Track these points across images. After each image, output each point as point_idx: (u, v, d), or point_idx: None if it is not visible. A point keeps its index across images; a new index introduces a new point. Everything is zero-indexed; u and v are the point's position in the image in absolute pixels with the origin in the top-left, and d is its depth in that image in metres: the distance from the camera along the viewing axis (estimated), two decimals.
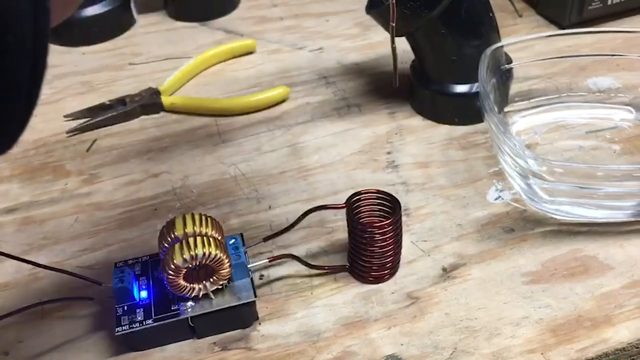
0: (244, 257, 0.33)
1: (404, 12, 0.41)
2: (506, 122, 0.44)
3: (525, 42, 0.46)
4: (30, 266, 0.36)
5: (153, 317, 0.32)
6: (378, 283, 0.36)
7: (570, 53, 0.47)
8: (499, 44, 0.42)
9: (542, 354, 0.31)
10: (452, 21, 0.42)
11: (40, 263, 0.33)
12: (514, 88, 0.46)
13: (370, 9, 0.44)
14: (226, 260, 0.32)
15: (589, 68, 0.47)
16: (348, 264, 0.36)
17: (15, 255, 0.32)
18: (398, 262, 0.36)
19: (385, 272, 0.35)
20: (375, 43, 0.55)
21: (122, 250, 0.38)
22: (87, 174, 0.44)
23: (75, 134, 0.48)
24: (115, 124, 0.49)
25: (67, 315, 0.35)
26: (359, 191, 0.35)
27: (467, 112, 0.45)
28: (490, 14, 0.44)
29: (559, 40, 0.48)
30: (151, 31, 0.59)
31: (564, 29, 0.54)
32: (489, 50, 0.41)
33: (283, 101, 0.50)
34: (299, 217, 0.35)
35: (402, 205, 0.39)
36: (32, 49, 0.18)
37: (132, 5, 0.60)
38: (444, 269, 0.36)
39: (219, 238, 0.33)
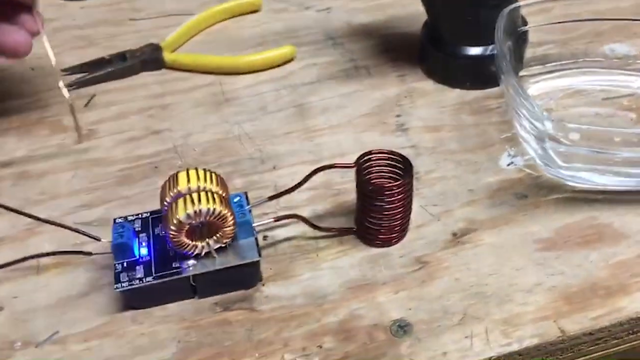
0: (248, 216, 0.32)
1: None
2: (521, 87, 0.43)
3: (542, 4, 0.44)
4: (27, 221, 0.35)
5: (153, 274, 0.31)
6: (386, 246, 0.34)
7: (587, 17, 0.46)
8: (516, 4, 0.40)
9: (554, 321, 0.30)
10: None
11: (38, 216, 0.32)
12: (529, 52, 0.45)
13: None
14: (230, 218, 0.31)
15: (606, 34, 0.46)
16: (355, 227, 0.35)
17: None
18: (407, 226, 0.35)
19: (394, 235, 0.34)
20: (385, 4, 0.53)
21: (121, 207, 0.37)
22: (86, 130, 0.43)
23: (74, 89, 0.46)
24: (115, 79, 0.47)
25: (65, 272, 0.34)
26: (370, 151, 0.33)
27: (479, 75, 0.43)
28: None
29: (577, 5, 0.46)
30: None
31: None
32: (506, 11, 0.39)
33: (289, 61, 0.48)
34: (306, 176, 0.34)
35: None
36: None
37: None
38: (454, 234, 0.35)
39: (224, 195, 0.31)
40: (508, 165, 0.39)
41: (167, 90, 0.46)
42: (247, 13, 0.53)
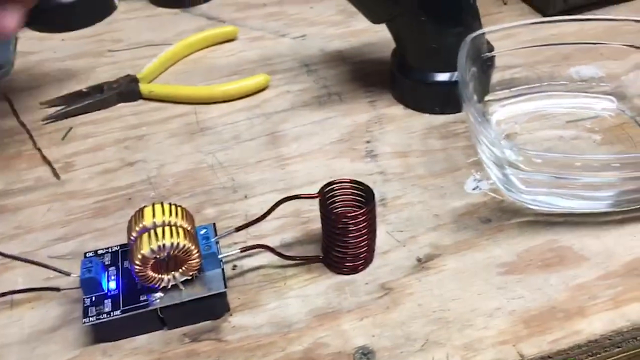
0: (214, 248, 0.33)
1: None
2: (486, 111, 0.44)
3: (508, 30, 0.45)
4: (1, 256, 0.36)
5: (121, 308, 0.31)
6: (352, 274, 0.35)
7: (553, 41, 0.47)
8: (480, 32, 0.41)
9: (513, 345, 0.31)
10: (432, 8, 0.41)
11: (8, 253, 0.32)
12: (496, 77, 0.46)
13: None
14: (195, 251, 0.31)
15: (572, 57, 0.47)
16: (322, 255, 0.36)
17: None
18: (372, 253, 0.36)
19: (359, 262, 0.35)
20: (359, 30, 0.55)
21: (95, 240, 0.38)
22: (62, 162, 0.44)
23: (51, 122, 0.47)
24: (93, 111, 0.48)
25: (38, 306, 0.35)
26: (333, 181, 0.34)
27: (447, 101, 0.44)
28: (471, 1, 0.43)
29: (543, 29, 0.47)
30: (132, 17, 0.59)
31: (548, 17, 0.54)
32: (469, 38, 0.40)
33: (263, 89, 0.49)
34: (271, 207, 0.34)
35: (379, 195, 0.39)
36: None
37: None
38: (419, 260, 0.36)
39: (189, 228, 0.32)
40: (473, 189, 0.39)
41: (142, 122, 0.47)
42: (224, 42, 0.55)
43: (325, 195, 0.34)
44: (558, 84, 0.45)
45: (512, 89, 0.45)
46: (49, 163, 0.43)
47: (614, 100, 0.44)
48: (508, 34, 0.45)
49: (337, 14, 0.57)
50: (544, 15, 0.54)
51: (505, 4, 0.56)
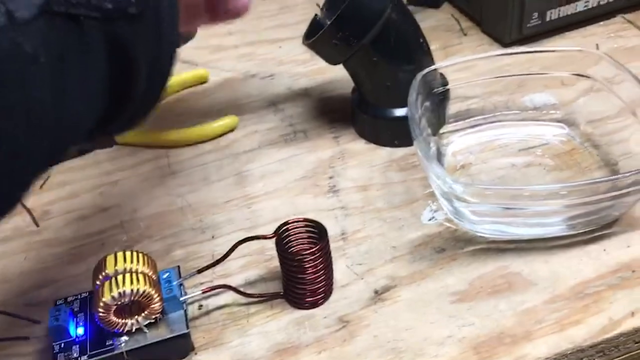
0: (176, 291, 0.35)
1: (335, 44, 0.42)
2: (442, 143, 0.46)
3: (463, 64, 0.47)
4: None
5: (88, 353, 0.33)
6: (312, 308, 0.37)
7: (508, 72, 0.49)
8: (429, 69, 0.43)
9: None
10: (382, 48, 0.43)
11: None
12: (454, 108, 0.48)
13: (307, 38, 0.45)
14: (156, 296, 0.33)
15: (526, 85, 0.48)
16: (283, 291, 0.37)
17: None
18: (331, 287, 0.37)
19: (318, 297, 0.37)
20: (325, 68, 0.56)
21: (69, 286, 0.40)
22: (40, 211, 0.46)
23: None
24: (71, 158, 0.50)
25: (11, 354, 0.36)
26: (287, 221, 0.36)
27: (406, 134, 0.46)
28: (421, 40, 0.45)
29: (497, 60, 0.49)
30: None
31: (506, 46, 0.56)
32: (419, 76, 0.42)
33: (232, 130, 0.51)
34: (230, 249, 0.36)
35: (340, 229, 0.41)
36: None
37: None
38: (376, 292, 0.37)
39: (150, 273, 0.34)
40: (429, 220, 0.41)
41: (117, 167, 0.49)
42: (195, 85, 0.57)
43: (281, 235, 0.36)
44: (512, 113, 0.47)
45: (468, 120, 0.47)
46: (28, 211, 0.45)
47: (565, 127, 0.46)
48: (466, 66, 0.47)
49: (304, 52, 0.58)
50: (502, 45, 0.56)
51: (465, 35, 0.58)
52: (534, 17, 0.54)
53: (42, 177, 0.48)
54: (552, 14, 0.54)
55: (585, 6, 0.55)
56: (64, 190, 0.47)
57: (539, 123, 0.46)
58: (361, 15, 0.42)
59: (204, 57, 0.61)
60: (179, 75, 0.56)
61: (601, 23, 0.57)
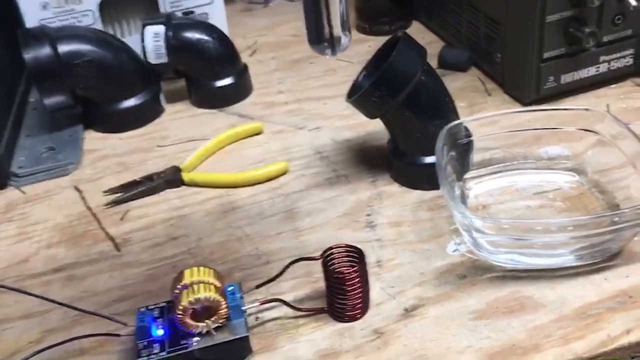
0: (239, 301, 0.42)
1: (373, 101, 0.50)
2: (466, 187, 0.52)
3: (487, 119, 0.54)
4: (73, 314, 0.45)
5: (166, 349, 0.40)
6: (351, 322, 0.43)
7: (526, 126, 0.56)
8: (454, 123, 0.51)
9: None
10: (414, 105, 0.51)
11: (80, 307, 0.42)
12: (478, 157, 0.55)
13: (349, 96, 0.53)
14: (223, 303, 0.40)
15: (542, 139, 0.55)
16: (327, 307, 0.44)
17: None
18: (368, 304, 0.44)
19: (357, 312, 0.43)
20: (364, 122, 0.64)
21: (146, 300, 0.47)
22: (121, 239, 0.54)
23: (112, 206, 0.58)
24: (145, 196, 0.58)
25: (102, 352, 0.44)
26: (331, 246, 0.43)
27: (435, 179, 0.53)
28: (447, 98, 0.53)
29: (517, 117, 0.57)
30: (177, 117, 0.70)
31: (525, 105, 0.63)
32: (445, 129, 0.50)
33: (283, 174, 0.59)
34: (283, 268, 0.43)
35: (375, 258, 0.47)
36: None
37: (162, 97, 0.71)
38: (406, 309, 0.44)
39: (218, 285, 0.41)
40: (453, 251, 0.48)
41: (185, 204, 0.57)
42: (252, 135, 0.65)
43: (326, 258, 0.43)
44: (529, 162, 0.54)
45: (490, 167, 0.54)
46: (111, 239, 0.53)
47: (575, 175, 0.52)
48: (489, 121, 0.54)
49: (346, 108, 0.67)
50: (522, 104, 0.63)
51: (489, 95, 0.66)
52: (549, 80, 0.61)
53: (122, 211, 0.57)
54: (566, 78, 0.61)
55: (597, 71, 0.62)
56: (141, 222, 0.56)
57: (552, 171, 0.53)
58: (396, 78, 0.50)
59: (259, 112, 0.70)
60: (238, 127, 0.65)
61: (613, 86, 0.64)
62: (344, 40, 0.47)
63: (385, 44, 0.54)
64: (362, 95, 0.50)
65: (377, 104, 0.51)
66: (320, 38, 0.46)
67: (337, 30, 0.46)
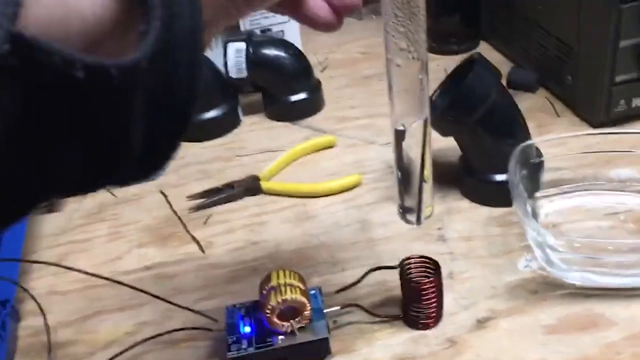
0: (320, 304, 0.45)
1: (449, 120, 0.53)
2: (536, 205, 0.54)
3: (557, 140, 0.56)
4: (163, 308, 0.49)
5: (254, 345, 0.43)
6: (425, 329, 0.45)
7: (597, 149, 0.57)
8: (526, 143, 0.52)
9: None
10: (488, 125, 0.53)
11: (175, 302, 0.46)
12: (548, 176, 0.56)
13: None
14: (308, 305, 0.43)
15: (613, 161, 0.56)
16: (402, 314, 0.46)
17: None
18: (441, 313, 0.46)
19: (431, 320, 0.45)
20: (434, 138, 0.67)
21: (230, 299, 0.50)
22: (205, 242, 0.58)
23: (195, 211, 0.62)
24: (225, 203, 0.62)
25: (191, 346, 0.47)
26: (409, 256, 0.46)
27: (505, 196, 0.54)
28: (520, 118, 0.55)
29: (587, 138, 0.58)
30: (254, 129, 0.74)
31: (595, 127, 0.64)
32: (518, 148, 0.52)
33: (357, 186, 0.62)
34: (362, 275, 0.46)
35: (447, 270, 0.49)
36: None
37: (240, 109, 0.75)
38: (479, 321, 0.46)
39: (303, 288, 0.44)
40: (524, 267, 0.49)
41: (263, 211, 0.61)
42: (325, 148, 0.69)
43: (404, 268, 0.46)
44: (599, 183, 0.55)
45: (560, 187, 0.55)
46: (196, 241, 0.57)
47: None
48: (559, 142, 0.56)
49: None
50: (592, 126, 0.64)
51: (558, 116, 0.67)
52: (620, 104, 0.62)
53: (205, 216, 0.60)
54: (637, 102, 0.62)
55: None
56: (223, 226, 0.59)
57: (623, 193, 0.54)
58: (472, 98, 0.52)
59: (331, 126, 0.73)
60: (312, 139, 0.68)
61: None
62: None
63: (460, 65, 0.56)
64: (439, 115, 0.53)
65: (453, 123, 0.53)
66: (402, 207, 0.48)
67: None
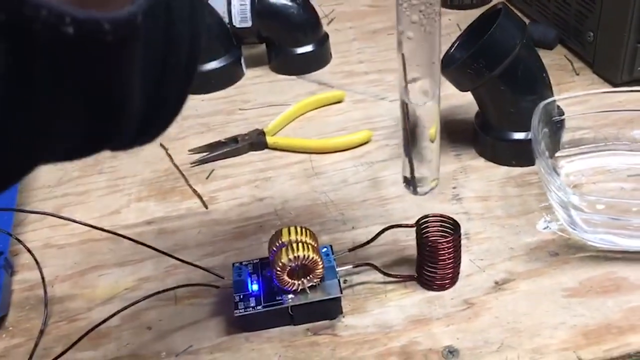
0: (333, 262, 0.43)
1: (469, 73, 0.50)
2: (556, 165, 0.52)
3: (578, 98, 0.53)
4: (166, 263, 0.47)
5: (262, 304, 0.41)
6: (440, 290, 0.44)
7: (619, 107, 0.55)
8: (550, 99, 0.50)
9: (574, 351, 0.38)
10: (510, 80, 0.50)
11: (181, 258, 0.43)
12: (567, 136, 0.54)
13: (444, 68, 0.53)
14: (320, 263, 0.41)
15: (636, 121, 0.54)
16: (416, 274, 0.44)
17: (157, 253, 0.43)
18: (458, 275, 0.44)
19: (447, 281, 0.44)
20: (448, 95, 0.64)
21: (235, 257, 0.48)
22: (207, 197, 0.55)
23: (198, 165, 0.59)
24: (229, 157, 0.60)
25: (195, 303, 0.45)
26: (427, 215, 0.43)
27: (523, 155, 0.52)
28: (544, 74, 0.52)
29: (609, 97, 0.55)
30: (257, 82, 0.71)
31: (616, 86, 0.61)
32: (541, 104, 0.49)
33: (366, 142, 0.59)
34: (377, 233, 0.44)
35: (463, 230, 0.47)
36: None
37: (242, 61, 0.72)
38: (496, 282, 0.44)
39: (315, 245, 0.42)
40: (544, 229, 0.47)
41: (268, 167, 0.58)
42: (333, 103, 0.66)
43: (420, 226, 0.43)
44: (621, 143, 0.53)
45: (580, 147, 0.53)
46: (199, 196, 0.55)
47: None
48: (579, 101, 0.53)
49: None
50: (613, 85, 0.62)
51: (577, 74, 0.64)
52: None
53: (208, 170, 0.58)
54: None
55: None
56: (226, 181, 0.57)
57: None
58: (495, 50, 0.49)
59: (338, 81, 0.70)
60: (320, 94, 0.65)
61: None
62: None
63: (482, 15, 0.53)
64: (458, 67, 0.50)
65: (473, 76, 0.50)
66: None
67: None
